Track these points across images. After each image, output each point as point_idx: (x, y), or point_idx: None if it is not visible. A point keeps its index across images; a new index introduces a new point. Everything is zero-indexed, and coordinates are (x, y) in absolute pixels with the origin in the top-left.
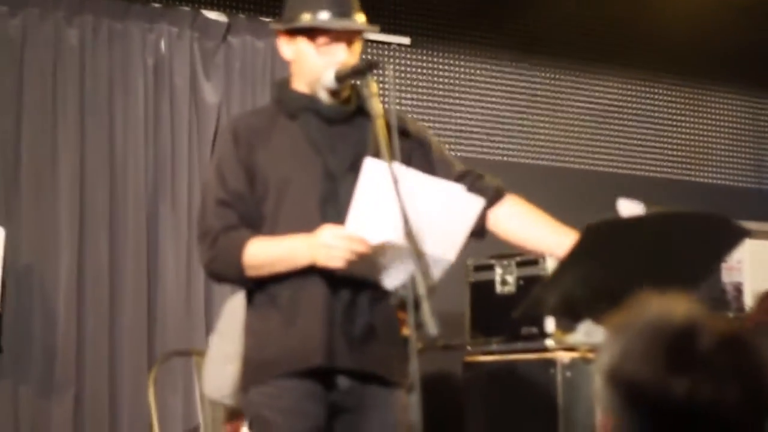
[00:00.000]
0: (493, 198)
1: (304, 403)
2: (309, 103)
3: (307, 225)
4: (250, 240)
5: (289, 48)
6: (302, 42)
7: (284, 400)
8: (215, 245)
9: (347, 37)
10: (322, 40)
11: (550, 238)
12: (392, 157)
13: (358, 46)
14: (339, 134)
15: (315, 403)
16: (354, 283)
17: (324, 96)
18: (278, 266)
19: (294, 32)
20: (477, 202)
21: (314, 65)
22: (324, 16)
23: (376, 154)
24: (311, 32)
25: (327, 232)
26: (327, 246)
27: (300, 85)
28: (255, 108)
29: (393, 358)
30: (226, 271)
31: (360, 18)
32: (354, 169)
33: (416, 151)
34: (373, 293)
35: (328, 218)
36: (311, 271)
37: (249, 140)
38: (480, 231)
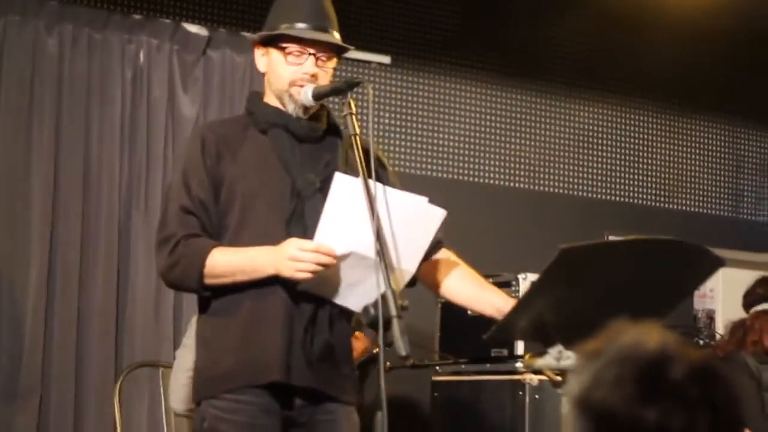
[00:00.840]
0: (431, 249)
1: (260, 417)
2: (279, 118)
3: (270, 242)
4: (212, 248)
5: (263, 60)
6: (273, 52)
7: (240, 415)
8: (175, 251)
9: (317, 50)
10: (291, 48)
11: (485, 299)
12: (367, 176)
13: (331, 64)
14: (309, 153)
15: (270, 418)
16: (315, 299)
17: (292, 109)
18: (240, 276)
19: (268, 44)
20: (439, 213)
21: (281, 74)
22: (299, 27)
23: (347, 173)
24: (280, 42)
25: (293, 243)
26: (293, 258)
27: (271, 98)
28: (226, 117)
29: (347, 378)
30: (184, 279)
31: (335, 35)
32: (322, 190)
33: (377, 172)
34: (333, 310)
35: (293, 237)
36: (273, 282)
37: (218, 149)
38: (412, 281)
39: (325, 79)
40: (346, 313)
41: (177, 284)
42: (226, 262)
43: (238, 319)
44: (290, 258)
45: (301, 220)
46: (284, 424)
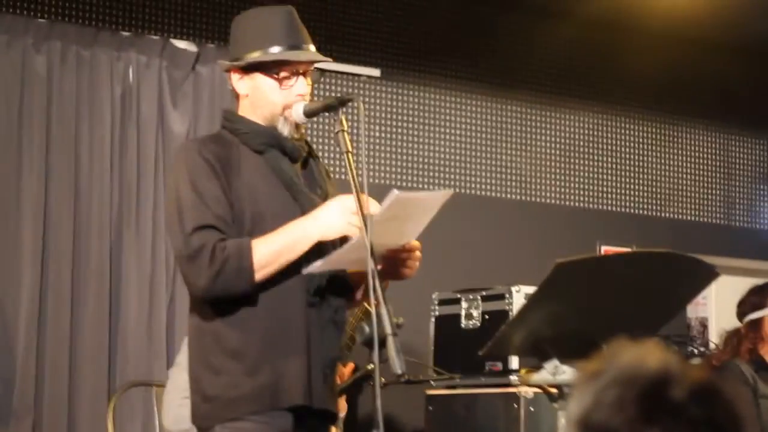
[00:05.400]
0: None
1: None
2: (273, 139)
3: (284, 269)
4: (251, 241)
5: (244, 83)
6: (260, 77)
7: None
8: (215, 259)
9: (305, 68)
10: (284, 73)
11: None
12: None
13: (311, 76)
14: (305, 175)
15: None
16: (326, 311)
17: (287, 131)
18: (286, 256)
19: (249, 68)
20: (445, 194)
21: (275, 100)
22: (276, 49)
23: (326, 196)
24: (268, 67)
25: (339, 200)
26: (340, 211)
27: (254, 117)
28: (205, 136)
29: (336, 391)
30: (235, 282)
31: (313, 48)
32: None
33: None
34: (338, 322)
35: (310, 260)
36: (288, 297)
37: (223, 169)
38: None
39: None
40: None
41: (226, 291)
42: (269, 248)
43: (251, 338)
44: (335, 211)
45: (316, 243)
46: None
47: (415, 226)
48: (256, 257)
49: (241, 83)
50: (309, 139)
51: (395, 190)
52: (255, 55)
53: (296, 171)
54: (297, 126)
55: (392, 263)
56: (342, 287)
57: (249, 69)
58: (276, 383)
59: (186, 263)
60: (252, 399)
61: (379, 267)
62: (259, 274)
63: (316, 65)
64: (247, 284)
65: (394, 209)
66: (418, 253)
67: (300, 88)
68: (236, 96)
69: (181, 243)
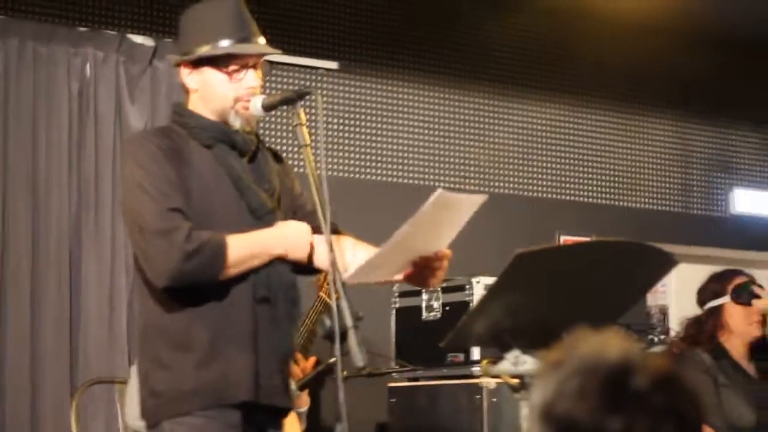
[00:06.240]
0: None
1: None
2: (222, 133)
3: None
4: (226, 236)
5: (193, 78)
6: (210, 71)
7: (208, 430)
8: (190, 240)
9: (255, 61)
10: (233, 66)
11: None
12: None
13: (261, 69)
14: (252, 169)
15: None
16: (276, 303)
17: (239, 125)
18: (252, 262)
19: (198, 62)
20: (480, 198)
21: (225, 93)
22: (225, 43)
23: (281, 191)
24: (217, 61)
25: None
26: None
27: (204, 112)
28: (151, 128)
29: (288, 385)
30: (207, 268)
31: (262, 40)
32: (273, 212)
33: (285, 179)
34: (292, 311)
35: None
36: (235, 293)
37: (173, 158)
38: (311, 268)
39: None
40: (296, 317)
41: (195, 274)
42: (242, 249)
43: (199, 332)
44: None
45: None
46: None
47: (449, 232)
48: (230, 253)
49: (190, 78)
50: (265, 131)
51: (439, 189)
52: (204, 50)
53: (244, 166)
54: (249, 119)
55: (421, 270)
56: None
57: (198, 63)
58: (223, 379)
59: (156, 238)
60: (199, 394)
61: (406, 273)
62: (229, 271)
63: (267, 57)
64: (217, 274)
65: (435, 207)
66: (446, 262)
67: (250, 81)
68: (186, 90)
69: (152, 218)
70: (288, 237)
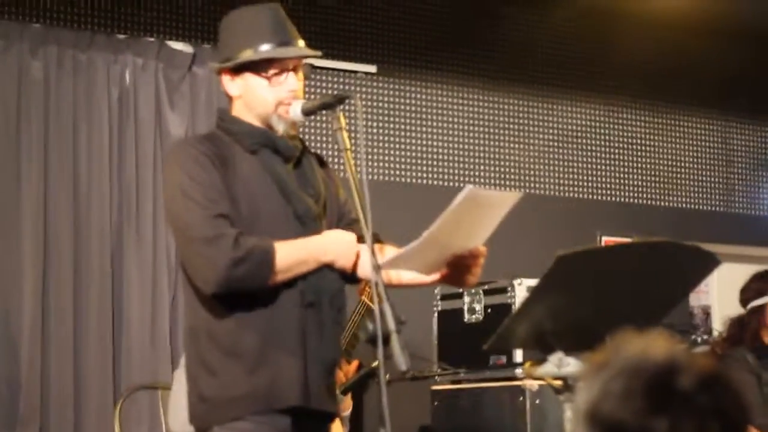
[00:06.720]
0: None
1: None
2: (266, 139)
3: None
4: (273, 242)
5: (235, 84)
6: (251, 77)
7: None
8: (238, 246)
9: (295, 64)
10: (273, 71)
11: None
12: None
13: (302, 72)
14: (298, 176)
15: None
16: (322, 309)
17: (282, 129)
18: (300, 269)
19: (239, 68)
20: (515, 196)
21: (266, 98)
22: (264, 47)
23: (326, 197)
24: (258, 66)
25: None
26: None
27: (248, 118)
28: (197, 135)
29: (335, 391)
30: (256, 274)
31: (302, 43)
32: (319, 217)
33: (330, 184)
34: (337, 320)
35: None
36: (283, 298)
37: (220, 164)
38: (354, 277)
39: (302, 89)
40: (342, 323)
41: (243, 281)
42: (290, 255)
43: (248, 337)
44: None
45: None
46: None
47: (484, 230)
48: (278, 259)
49: (232, 84)
50: (306, 136)
51: (469, 185)
52: (243, 55)
53: (289, 171)
54: (293, 124)
55: (456, 269)
56: (341, 288)
57: (239, 69)
58: (273, 384)
59: (203, 245)
60: (249, 399)
61: (442, 273)
62: (277, 277)
63: (307, 61)
64: (265, 280)
65: (466, 204)
66: (482, 260)
67: (291, 84)
68: (229, 97)
69: (199, 225)
70: (336, 244)
